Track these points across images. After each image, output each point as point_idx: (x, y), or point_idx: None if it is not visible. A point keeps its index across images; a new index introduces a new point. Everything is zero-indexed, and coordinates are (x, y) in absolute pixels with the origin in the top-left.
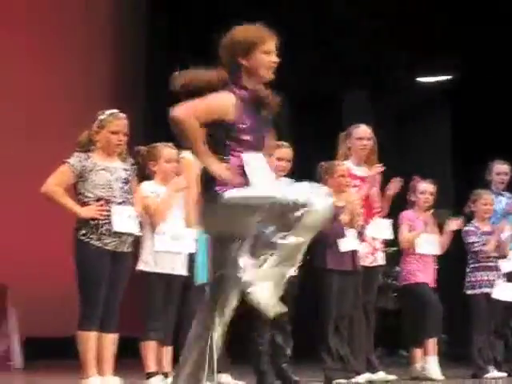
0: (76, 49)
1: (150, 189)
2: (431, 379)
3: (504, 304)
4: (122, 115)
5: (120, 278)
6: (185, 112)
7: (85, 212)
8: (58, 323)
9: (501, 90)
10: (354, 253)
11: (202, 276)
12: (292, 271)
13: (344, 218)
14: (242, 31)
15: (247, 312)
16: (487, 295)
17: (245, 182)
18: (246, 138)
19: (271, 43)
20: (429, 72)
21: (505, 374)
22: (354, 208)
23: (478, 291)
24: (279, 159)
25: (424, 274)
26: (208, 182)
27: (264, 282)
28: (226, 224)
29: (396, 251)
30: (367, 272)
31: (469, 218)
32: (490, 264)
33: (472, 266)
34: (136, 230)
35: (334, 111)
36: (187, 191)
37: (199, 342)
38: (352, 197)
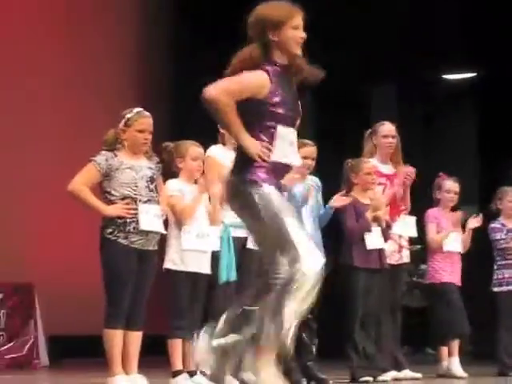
0: (97, 49)
1: (175, 187)
2: (456, 377)
3: None
4: (147, 114)
5: (146, 277)
6: (218, 91)
7: (111, 210)
8: (84, 322)
9: None
10: (380, 251)
11: (226, 274)
12: None
13: (369, 214)
14: (270, 8)
15: None
16: None
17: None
18: (279, 111)
19: (299, 18)
20: (455, 69)
21: None
22: (380, 206)
23: (504, 289)
24: (304, 157)
25: (450, 272)
26: (243, 163)
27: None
28: (248, 210)
29: (421, 249)
30: (393, 270)
31: (495, 216)
32: None
33: (499, 263)
34: (162, 229)
35: (360, 109)
36: (211, 190)
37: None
38: (377, 194)
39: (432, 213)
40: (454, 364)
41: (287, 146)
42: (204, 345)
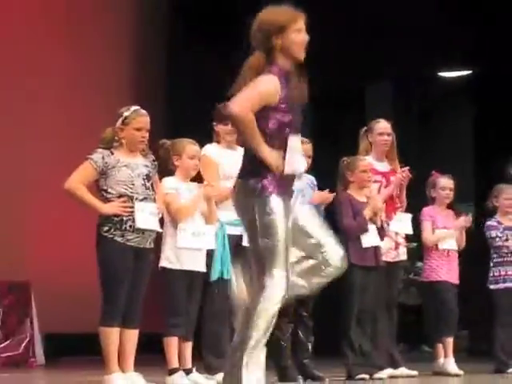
0: (96, 48)
1: (171, 185)
2: (451, 375)
3: None
4: (144, 112)
5: (142, 274)
6: (243, 109)
7: (107, 208)
8: (80, 320)
9: None
10: (376, 248)
11: (219, 272)
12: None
13: (366, 213)
14: (273, 13)
15: None
16: (511, 290)
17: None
18: (289, 117)
19: (301, 21)
20: (451, 67)
21: None
22: (376, 203)
23: (501, 286)
24: None
25: (447, 270)
26: (254, 169)
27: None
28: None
29: (417, 247)
30: (390, 267)
31: (491, 213)
32: None
33: (495, 260)
34: (158, 227)
35: (355, 107)
36: (207, 189)
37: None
38: (373, 192)
39: (427, 211)
40: (450, 363)
41: (296, 155)
42: None
